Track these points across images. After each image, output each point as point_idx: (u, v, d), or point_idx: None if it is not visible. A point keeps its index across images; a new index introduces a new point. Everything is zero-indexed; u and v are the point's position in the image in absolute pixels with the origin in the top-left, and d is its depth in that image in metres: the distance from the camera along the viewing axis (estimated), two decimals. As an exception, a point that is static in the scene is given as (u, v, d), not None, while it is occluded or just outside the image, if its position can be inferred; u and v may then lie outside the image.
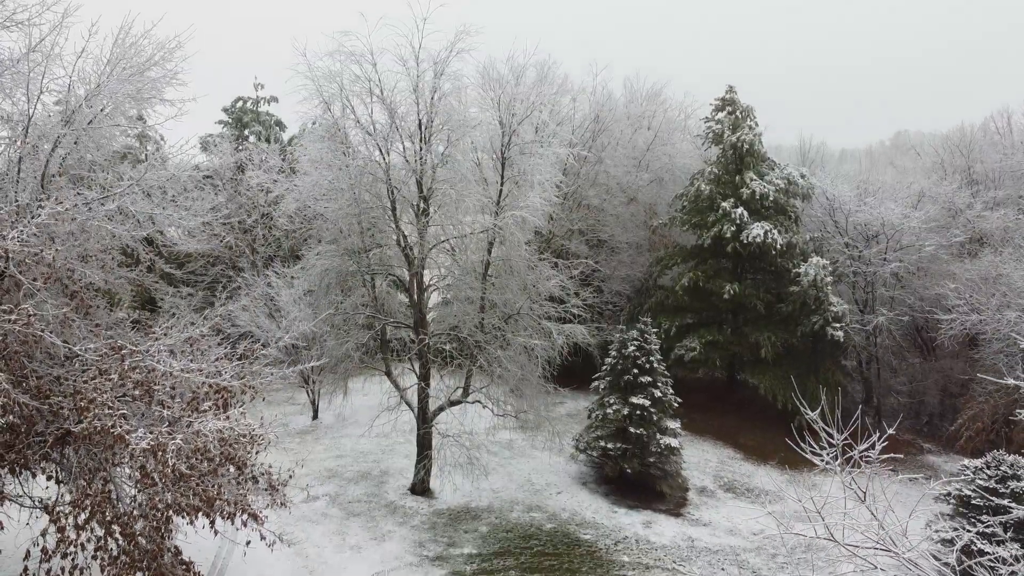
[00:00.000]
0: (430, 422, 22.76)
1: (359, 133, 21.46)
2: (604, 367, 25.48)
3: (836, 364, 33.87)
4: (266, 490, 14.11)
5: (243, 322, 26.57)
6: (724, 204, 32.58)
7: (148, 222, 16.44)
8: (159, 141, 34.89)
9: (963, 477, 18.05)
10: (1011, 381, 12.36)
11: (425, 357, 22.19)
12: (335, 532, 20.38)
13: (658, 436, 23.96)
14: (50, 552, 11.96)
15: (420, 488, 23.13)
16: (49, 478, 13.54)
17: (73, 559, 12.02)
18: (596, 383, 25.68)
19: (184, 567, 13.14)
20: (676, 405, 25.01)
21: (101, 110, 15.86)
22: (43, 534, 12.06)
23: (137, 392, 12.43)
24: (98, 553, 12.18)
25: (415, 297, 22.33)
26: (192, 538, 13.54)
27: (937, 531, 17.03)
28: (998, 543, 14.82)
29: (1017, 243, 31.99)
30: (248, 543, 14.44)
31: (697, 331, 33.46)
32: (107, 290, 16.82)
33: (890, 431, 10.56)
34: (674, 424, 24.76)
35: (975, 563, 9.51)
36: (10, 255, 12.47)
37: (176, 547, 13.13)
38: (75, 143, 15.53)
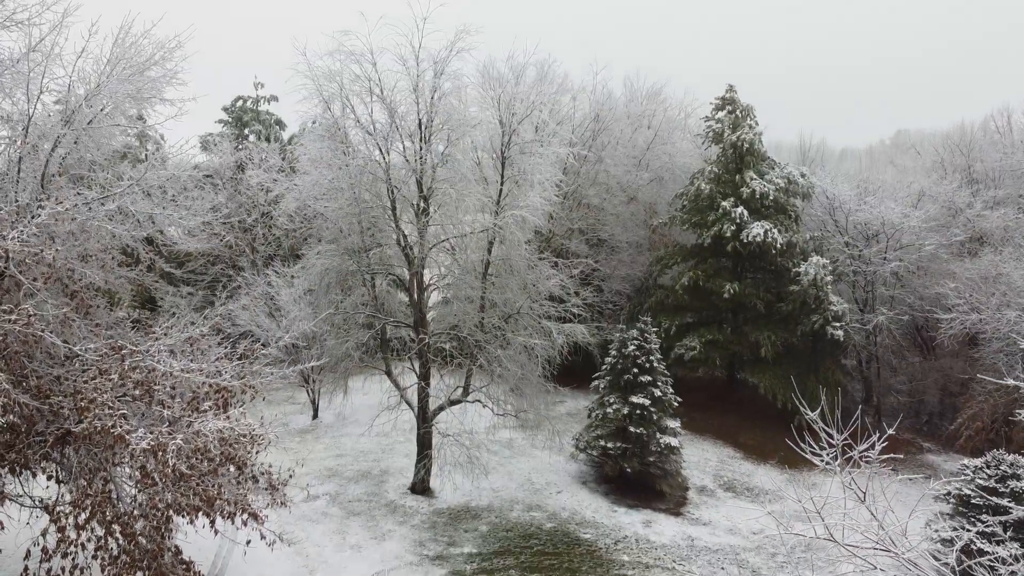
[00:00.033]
0: (430, 421, 22.78)
1: (359, 132, 21.46)
2: (604, 366, 25.49)
3: (836, 363, 33.88)
4: (266, 489, 14.13)
5: (243, 321, 26.58)
6: (724, 203, 32.58)
7: (148, 222, 16.45)
8: (159, 140, 34.94)
9: (963, 476, 18.06)
10: (1011, 381, 12.36)
11: (425, 356, 22.20)
12: (335, 531, 20.39)
13: (658, 435, 23.98)
14: (50, 552, 11.98)
15: (420, 487, 23.15)
16: (49, 478, 13.56)
17: (73, 559, 12.04)
18: (596, 382, 25.70)
19: (184, 566, 13.15)
20: (676, 404, 25.03)
21: (101, 110, 15.86)
22: (43, 534, 12.08)
23: (137, 392, 12.45)
24: (98, 553, 12.19)
25: (415, 296, 22.34)
26: (192, 537, 13.54)
27: (937, 531, 17.05)
28: (997, 543, 14.84)
29: (1017, 242, 31.98)
30: (248, 542, 14.47)
31: (697, 330, 33.46)
32: (107, 290, 16.83)
33: (890, 431, 10.56)
34: (674, 423, 24.78)
35: (975, 563, 9.52)
36: (10, 255, 12.47)
37: (176, 547, 13.15)
38: (75, 143, 15.52)
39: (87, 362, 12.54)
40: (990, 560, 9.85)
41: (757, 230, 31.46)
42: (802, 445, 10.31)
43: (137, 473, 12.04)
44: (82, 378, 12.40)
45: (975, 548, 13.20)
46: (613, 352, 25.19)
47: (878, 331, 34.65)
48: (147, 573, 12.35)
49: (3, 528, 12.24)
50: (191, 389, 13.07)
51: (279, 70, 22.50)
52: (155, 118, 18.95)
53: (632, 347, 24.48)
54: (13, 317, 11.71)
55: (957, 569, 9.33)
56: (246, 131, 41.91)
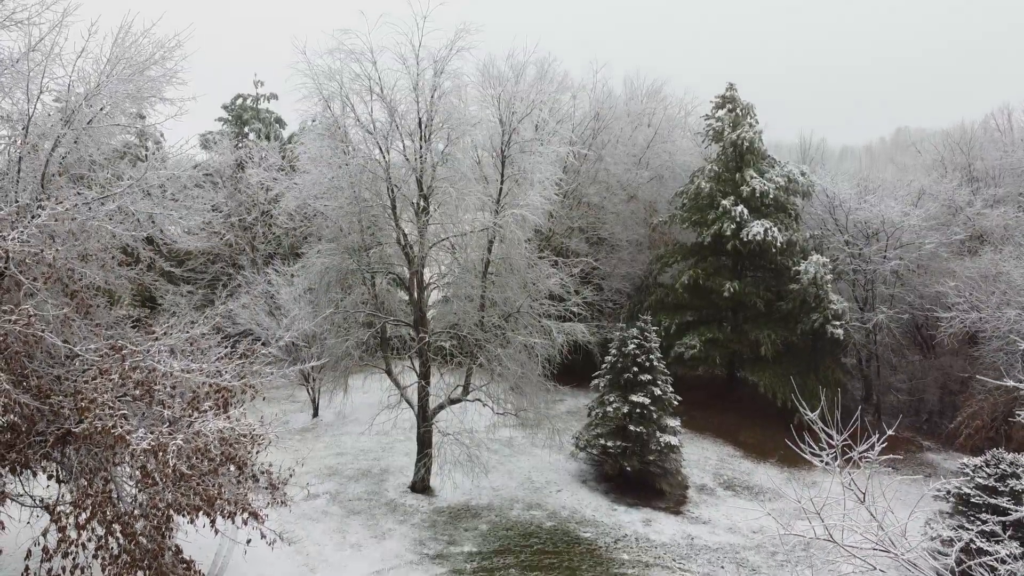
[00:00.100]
0: (430, 420, 22.79)
1: (359, 131, 21.44)
2: (604, 365, 25.50)
3: (836, 362, 33.89)
4: (266, 488, 14.17)
5: (243, 320, 26.60)
6: (724, 202, 32.56)
7: (148, 221, 16.45)
8: (159, 138, 34.90)
9: (962, 475, 18.08)
10: (1009, 382, 12.36)
11: (425, 355, 22.22)
12: (335, 530, 20.42)
13: (658, 434, 23.99)
14: (51, 551, 12.01)
15: (420, 486, 23.18)
16: (50, 477, 13.59)
17: (74, 558, 12.07)
18: (596, 381, 25.71)
19: (185, 566, 13.18)
20: (676, 403, 25.03)
21: (101, 109, 15.84)
22: (44, 533, 12.10)
23: (138, 392, 12.47)
24: (99, 552, 12.23)
25: (415, 295, 22.34)
26: (193, 537, 13.56)
27: (936, 530, 17.06)
28: (996, 542, 14.86)
29: (1017, 241, 31.97)
30: (249, 541, 14.50)
31: (697, 329, 33.46)
32: (107, 289, 16.83)
33: (890, 432, 10.56)
34: (674, 422, 24.79)
35: (976, 564, 9.53)
36: (10, 255, 12.48)
37: (177, 546, 13.18)
38: (75, 142, 15.51)
39: (87, 362, 12.55)
40: (990, 560, 9.87)
41: (757, 228, 31.45)
42: (802, 445, 10.32)
43: (138, 473, 12.07)
44: (82, 378, 12.42)
45: (974, 547, 13.23)
46: (613, 351, 25.19)
47: (878, 329, 34.65)
48: (148, 572, 12.39)
49: (4, 528, 12.25)
50: (191, 389, 13.09)
51: (279, 69, 22.48)
52: (155, 117, 18.93)
53: (632, 346, 24.48)
54: (13, 317, 11.73)
55: (957, 570, 9.35)
56: (246, 129, 41.88)
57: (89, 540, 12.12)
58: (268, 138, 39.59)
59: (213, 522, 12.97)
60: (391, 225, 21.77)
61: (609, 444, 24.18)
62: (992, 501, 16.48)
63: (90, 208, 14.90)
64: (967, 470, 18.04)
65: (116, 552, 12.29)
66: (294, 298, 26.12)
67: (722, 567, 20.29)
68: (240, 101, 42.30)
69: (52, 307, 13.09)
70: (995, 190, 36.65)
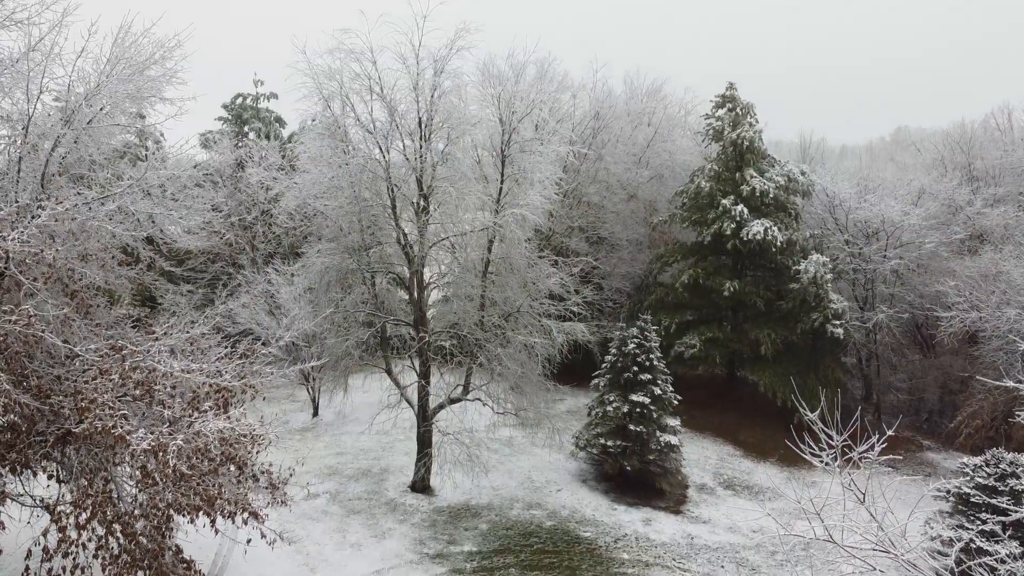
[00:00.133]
0: (430, 419, 22.80)
1: (359, 131, 21.44)
2: (604, 364, 25.50)
3: (836, 361, 33.90)
4: (266, 488, 14.18)
5: (243, 319, 26.60)
6: (724, 201, 32.56)
7: (148, 221, 16.44)
8: (159, 138, 34.88)
9: (962, 475, 18.08)
10: (1009, 383, 12.36)
11: (425, 355, 22.22)
12: (335, 530, 20.42)
13: (658, 433, 23.99)
14: (51, 551, 12.01)
15: (420, 485, 23.18)
16: (50, 477, 13.59)
17: (74, 558, 12.08)
18: (596, 380, 25.72)
19: (185, 566, 13.19)
20: (676, 402, 25.04)
21: (101, 109, 15.83)
22: (44, 533, 12.10)
23: (138, 392, 12.47)
24: (99, 552, 12.23)
25: (415, 295, 22.34)
26: (193, 537, 13.57)
27: (935, 530, 17.06)
28: (996, 542, 14.86)
29: (1017, 240, 31.97)
30: (249, 541, 14.50)
31: (697, 328, 33.47)
32: (107, 289, 16.83)
33: (889, 432, 10.57)
34: (674, 421, 24.79)
35: (975, 564, 9.53)
36: (10, 255, 12.48)
37: (177, 546, 13.19)
38: (75, 142, 15.51)
39: (87, 362, 12.55)
40: (990, 560, 9.87)
41: (757, 228, 31.45)
42: (801, 445, 10.32)
43: (138, 473, 12.07)
44: (83, 378, 12.42)
45: (974, 547, 13.24)
46: (613, 350, 25.20)
47: (878, 329, 34.66)
48: (148, 572, 12.39)
49: (4, 528, 12.26)
50: (191, 389, 13.09)
51: (279, 69, 22.46)
52: (155, 117, 18.91)
53: (632, 345, 24.48)
54: (14, 317, 11.73)
55: (956, 570, 9.35)
56: (246, 128, 41.86)
57: (89, 540, 12.13)
58: (268, 137, 39.59)
59: (213, 522, 12.98)
60: (391, 224, 21.77)
61: (609, 443, 24.19)
62: (992, 501, 16.47)
63: (90, 208, 14.89)
64: (967, 470, 18.04)
65: (116, 552, 12.30)
66: (294, 298, 26.12)
67: (722, 567, 20.29)
68: (240, 100, 42.29)
69: (52, 307, 13.09)
70: (995, 189, 36.66)
